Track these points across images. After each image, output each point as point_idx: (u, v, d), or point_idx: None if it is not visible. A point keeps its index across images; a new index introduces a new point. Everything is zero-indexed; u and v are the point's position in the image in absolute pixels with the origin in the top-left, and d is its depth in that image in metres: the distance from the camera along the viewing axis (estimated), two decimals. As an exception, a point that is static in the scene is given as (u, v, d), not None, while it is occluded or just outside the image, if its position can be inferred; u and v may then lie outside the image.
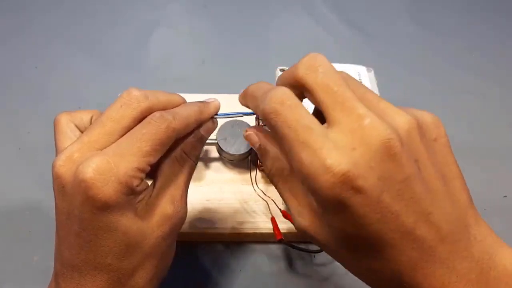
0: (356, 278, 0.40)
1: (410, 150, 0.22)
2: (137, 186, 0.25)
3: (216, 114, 0.31)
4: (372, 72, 0.48)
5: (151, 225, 0.26)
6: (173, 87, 0.55)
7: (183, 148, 0.29)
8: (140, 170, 0.25)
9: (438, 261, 0.22)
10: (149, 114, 0.26)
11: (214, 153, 0.46)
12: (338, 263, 0.43)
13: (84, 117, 0.29)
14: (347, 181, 0.21)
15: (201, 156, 0.45)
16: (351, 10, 0.70)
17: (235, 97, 0.52)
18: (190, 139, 0.29)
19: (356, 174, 0.21)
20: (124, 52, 0.62)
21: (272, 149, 0.27)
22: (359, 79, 0.46)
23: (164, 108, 0.27)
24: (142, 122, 0.26)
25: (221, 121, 0.45)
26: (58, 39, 0.63)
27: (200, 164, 0.46)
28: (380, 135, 0.21)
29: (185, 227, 0.41)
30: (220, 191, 0.44)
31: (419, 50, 0.64)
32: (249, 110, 0.30)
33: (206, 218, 0.42)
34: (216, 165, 0.46)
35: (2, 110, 0.54)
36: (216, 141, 0.44)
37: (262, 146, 0.28)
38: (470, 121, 0.56)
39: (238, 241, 0.43)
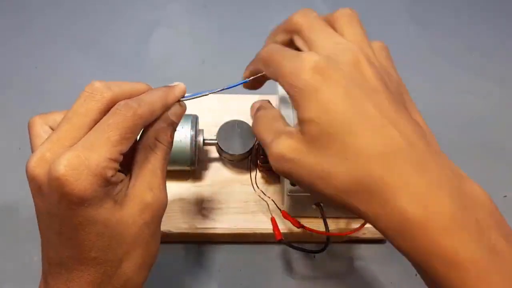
0: (356, 278, 0.40)
1: (376, 65, 0.29)
2: (111, 176, 0.25)
3: (183, 97, 0.31)
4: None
5: (132, 215, 0.26)
6: (173, 87, 0.55)
7: (154, 135, 0.29)
8: (113, 160, 0.25)
9: (406, 159, 0.24)
10: (114, 105, 0.26)
11: (214, 153, 0.46)
12: (337, 263, 0.43)
13: (57, 118, 0.29)
14: (320, 68, 0.26)
15: (201, 156, 0.45)
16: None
17: (235, 97, 0.52)
18: (160, 124, 0.29)
19: (327, 65, 0.26)
20: (124, 52, 0.62)
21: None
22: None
23: (129, 97, 0.27)
24: (108, 113, 0.26)
25: (221, 121, 0.45)
26: (58, 39, 0.63)
27: (200, 164, 0.46)
28: (348, 47, 0.28)
29: (185, 227, 0.41)
30: (220, 191, 0.44)
31: (419, 50, 0.64)
32: (218, 88, 0.33)
33: (206, 219, 0.42)
34: (216, 165, 0.46)
35: (2, 110, 0.54)
36: (216, 141, 0.44)
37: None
38: (470, 121, 0.55)
39: (238, 241, 0.43)
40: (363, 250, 0.43)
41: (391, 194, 0.23)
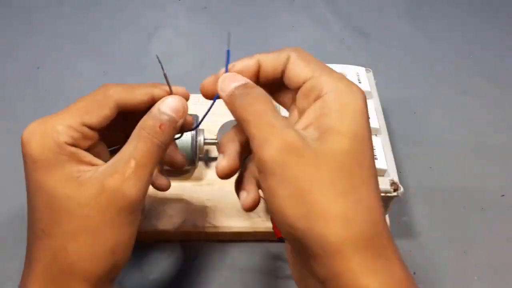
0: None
1: None
2: (66, 143, 0.25)
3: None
4: (371, 72, 0.49)
5: (87, 195, 0.25)
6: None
7: (140, 124, 0.27)
8: (72, 127, 0.26)
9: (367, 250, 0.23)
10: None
11: (214, 153, 0.47)
12: None
13: None
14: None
15: (201, 156, 0.45)
16: (351, 11, 0.70)
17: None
18: (149, 115, 0.28)
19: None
20: (125, 53, 0.62)
21: None
22: (358, 80, 0.47)
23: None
24: None
25: (221, 121, 0.45)
26: (59, 40, 0.63)
27: (200, 164, 0.46)
28: None
29: (185, 226, 0.42)
30: (220, 191, 0.44)
31: (418, 51, 0.64)
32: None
33: (206, 218, 0.42)
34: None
35: (3, 110, 0.54)
36: (216, 141, 0.44)
37: None
38: (470, 121, 0.56)
39: (238, 240, 0.43)
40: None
41: None
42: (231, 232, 0.42)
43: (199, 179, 0.45)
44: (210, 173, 0.46)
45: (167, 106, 0.28)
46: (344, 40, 0.65)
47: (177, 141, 0.42)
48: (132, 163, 0.26)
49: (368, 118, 0.25)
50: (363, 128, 0.25)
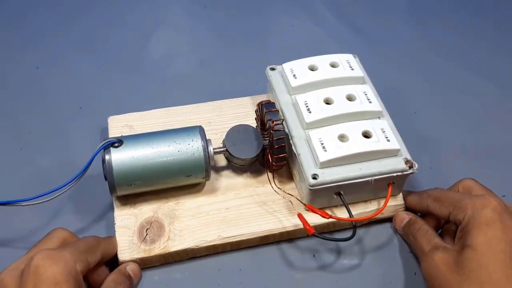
0: (356, 278, 0.41)
1: None
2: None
3: None
4: (357, 58, 0.49)
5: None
6: (172, 88, 0.56)
7: (108, 277, 0.38)
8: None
9: None
10: None
11: (221, 162, 0.46)
12: (337, 262, 0.42)
13: None
14: (499, 209, 0.36)
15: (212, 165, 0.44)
16: (350, 11, 0.69)
17: (228, 102, 0.52)
18: (118, 268, 0.39)
19: (505, 209, 0.36)
20: (124, 52, 0.61)
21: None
22: (350, 67, 0.47)
23: None
24: None
25: (226, 128, 0.45)
26: (58, 39, 0.62)
27: (211, 175, 0.45)
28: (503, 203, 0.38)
29: (210, 239, 0.41)
30: (237, 198, 0.44)
31: (418, 51, 0.64)
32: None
33: (229, 227, 0.41)
34: (226, 173, 0.46)
35: (3, 110, 0.53)
36: (225, 149, 0.43)
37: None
38: (470, 121, 0.56)
39: (265, 243, 0.42)
40: (363, 249, 0.43)
41: None
42: (258, 237, 0.41)
43: (213, 191, 0.44)
44: (222, 182, 0.45)
45: (131, 269, 0.39)
46: (345, 40, 0.65)
47: (189, 154, 0.40)
48: None
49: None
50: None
